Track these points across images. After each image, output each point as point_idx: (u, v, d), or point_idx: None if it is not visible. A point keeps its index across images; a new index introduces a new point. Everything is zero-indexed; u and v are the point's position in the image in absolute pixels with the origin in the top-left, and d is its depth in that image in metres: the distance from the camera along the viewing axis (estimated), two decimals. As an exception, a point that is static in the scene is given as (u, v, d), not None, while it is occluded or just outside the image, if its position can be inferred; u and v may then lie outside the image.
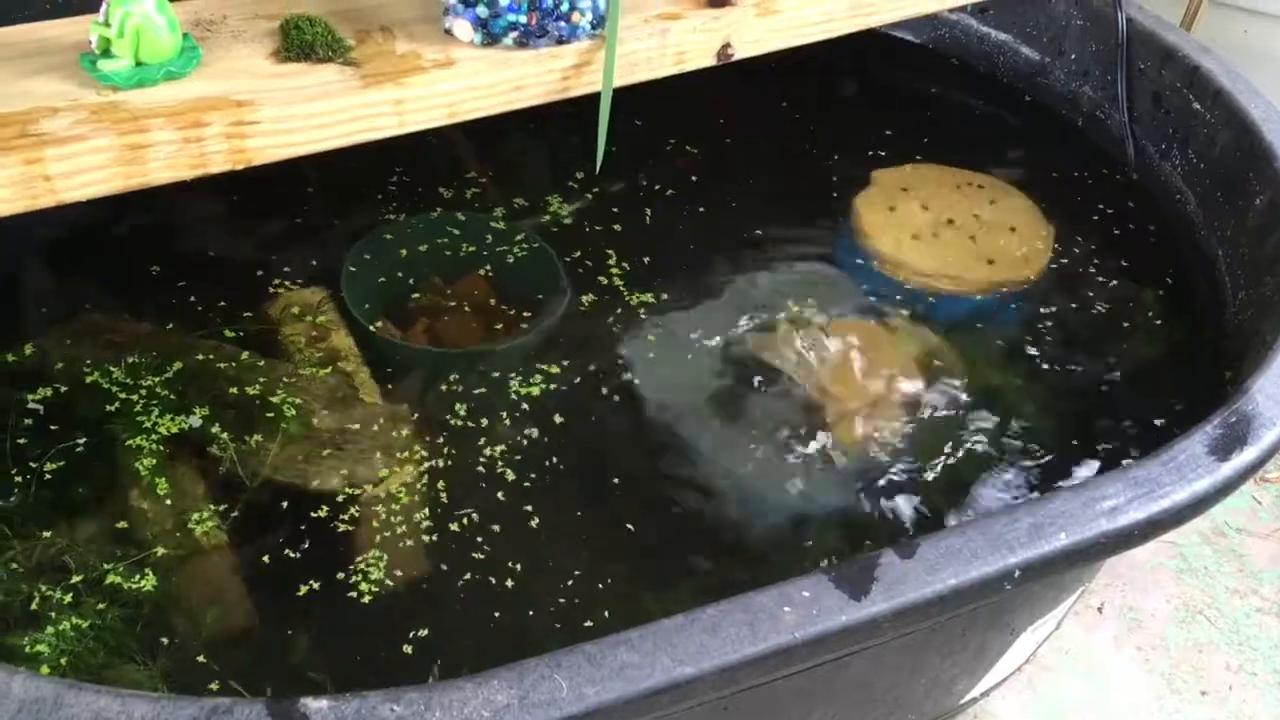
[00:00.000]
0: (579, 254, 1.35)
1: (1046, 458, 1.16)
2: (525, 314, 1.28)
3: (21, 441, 1.08)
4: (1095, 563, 1.06)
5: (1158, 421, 1.20)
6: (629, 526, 1.08)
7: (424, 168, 1.44)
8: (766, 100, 1.60)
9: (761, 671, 0.80)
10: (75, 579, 0.98)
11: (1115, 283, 1.37)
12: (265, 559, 1.02)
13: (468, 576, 1.02)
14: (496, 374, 1.20)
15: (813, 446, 1.16)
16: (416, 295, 1.30)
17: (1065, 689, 1.36)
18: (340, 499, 1.07)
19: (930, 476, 1.14)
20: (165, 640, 0.95)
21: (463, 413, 1.16)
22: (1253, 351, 1.09)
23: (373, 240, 1.33)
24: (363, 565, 1.02)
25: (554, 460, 1.13)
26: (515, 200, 1.41)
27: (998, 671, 1.22)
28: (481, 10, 1.05)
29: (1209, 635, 1.42)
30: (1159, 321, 1.32)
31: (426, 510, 1.07)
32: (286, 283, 1.28)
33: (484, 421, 1.15)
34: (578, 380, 1.20)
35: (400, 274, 1.32)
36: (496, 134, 1.45)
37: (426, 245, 1.35)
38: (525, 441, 1.14)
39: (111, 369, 1.15)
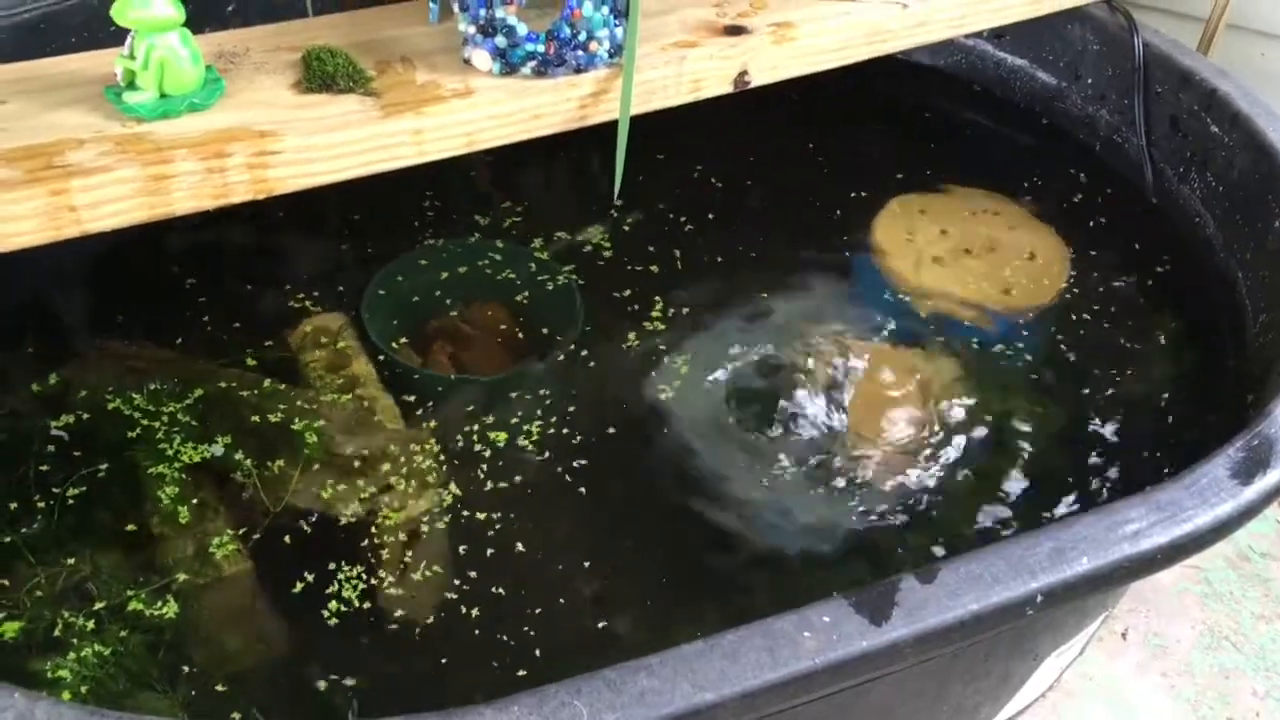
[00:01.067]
0: (606, 282, 1.35)
1: (1066, 481, 1.16)
2: (552, 342, 1.28)
3: (45, 468, 1.09)
4: (1118, 587, 1.05)
5: (1179, 445, 1.19)
6: (648, 556, 1.08)
7: (458, 196, 1.45)
8: (784, 126, 1.61)
9: (782, 698, 0.80)
10: (98, 605, 0.98)
11: (1134, 307, 1.36)
12: (287, 585, 1.02)
13: (488, 599, 1.02)
14: (518, 401, 1.20)
15: (833, 472, 1.16)
16: (454, 315, 1.31)
17: (1090, 715, 1.34)
18: (361, 525, 1.07)
19: (950, 500, 1.14)
20: (186, 668, 0.96)
21: (482, 439, 1.16)
22: (1274, 374, 1.09)
23: (404, 263, 1.34)
24: (388, 589, 1.02)
25: (574, 487, 1.13)
26: (554, 232, 1.41)
27: (1021, 698, 1.21)
28: (500, 40, 1.06)
29: (1235, 661, 1.41)
30: (1179, 345, 1.31)
31: (447, 536, 1.07)
32: (308, 305, 1.29)
33: (503, 448, 1.16)
34: (598, 409, 1.21)
35: (438, 293, 1.33)
36: (528, 163, 1.46)
37: (466, 266, 1.36)
38: (546, 469, 1.14)
39: (134, 396, 1.16)
